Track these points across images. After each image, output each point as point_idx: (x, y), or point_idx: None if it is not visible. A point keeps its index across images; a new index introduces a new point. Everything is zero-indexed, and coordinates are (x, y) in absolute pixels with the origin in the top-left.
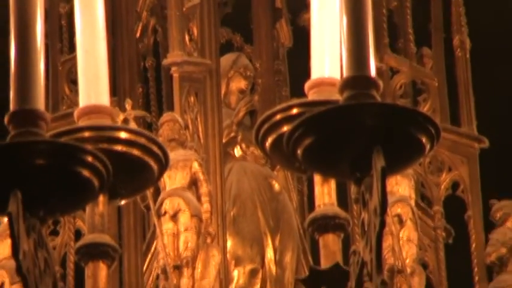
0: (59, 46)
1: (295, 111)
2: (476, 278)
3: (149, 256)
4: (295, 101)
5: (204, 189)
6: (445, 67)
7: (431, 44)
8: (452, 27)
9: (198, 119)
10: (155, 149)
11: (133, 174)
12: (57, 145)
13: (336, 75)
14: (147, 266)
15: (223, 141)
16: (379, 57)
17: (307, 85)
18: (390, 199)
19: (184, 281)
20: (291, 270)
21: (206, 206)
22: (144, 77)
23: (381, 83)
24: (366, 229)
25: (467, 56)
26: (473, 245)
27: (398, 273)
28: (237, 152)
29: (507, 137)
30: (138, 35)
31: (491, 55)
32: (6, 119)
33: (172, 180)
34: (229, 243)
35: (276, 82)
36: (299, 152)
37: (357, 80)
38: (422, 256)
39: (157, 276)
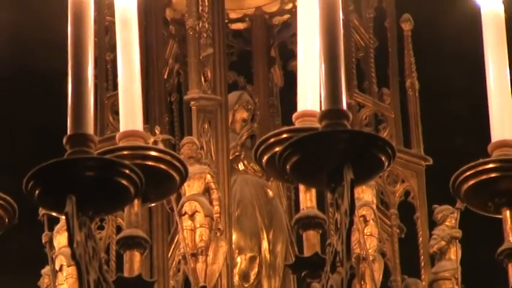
0: (105, 85)
1: (285, 135)
2: (422, 264)
3: (173, 246)
4: (285, 128)
5: (214, 195)
6: (399, 103)
7: (389, 86)
8: (405, 72)
9: (211, 142)
10: (177, 164)
11: (161, 184)
12: (102, 161)
13: (316, 109)
14: (171, 253)
15: (230, 158)
16: (349, 95)
17: (294, 116)
18: (357, 203)
19: (199, 265)
20: (281, 257)
21: (216, 208)
22: (170, 109)
23: (350, 115)
24: (339, 226)
25: (417, 94)
26: (420, 239)
27: (363, 260)
28: (241, 166)
29: (447, 157)
30: (165, 76)
31: (436, 94)
32: (64, 141)
33: (191, 188)
34: (234, 237)
35: (271, 113)
36: (288, 167)
37: (332, 112)
38: (381, 247)
39: (179, 261)
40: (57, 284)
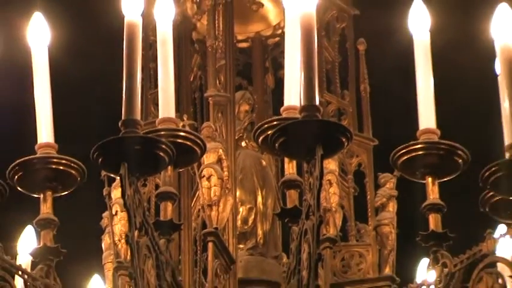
0: (149, 85)
1: (275, 123)
2: (369, 214)
3: (194, 199)
4: (275, 117)
5: (224, 164)
6: (355, 101)
7: (349, 89)
8: (360, 80)
9: (222, 126)
10: (199, 141)
11: (187, 155)
12: (146, 138)
13: (297, 104)
14: (193, 204)
15: (236, 138)
16: (321, 95)
17: (281, 109)
18: (325, 171)
19: (213, 213)
20: (271, 208)
21: (226, 173)
22: (194, 103)
23: (321, 109)
24: (311, 187)
25: (368, 95)
26: (368, 197)
27: (328, 211)
28: (243, 144)
29: (389, 139)
30: (191, 79)
31: (381, 95)
32: (120, 124)
33: (208, 158)
34: (237, 193)
35: (265, 107)
36: (276, 145)
37: (308, 107)
38: (341, 202)
39: (199, 210)
40: (113, 224)
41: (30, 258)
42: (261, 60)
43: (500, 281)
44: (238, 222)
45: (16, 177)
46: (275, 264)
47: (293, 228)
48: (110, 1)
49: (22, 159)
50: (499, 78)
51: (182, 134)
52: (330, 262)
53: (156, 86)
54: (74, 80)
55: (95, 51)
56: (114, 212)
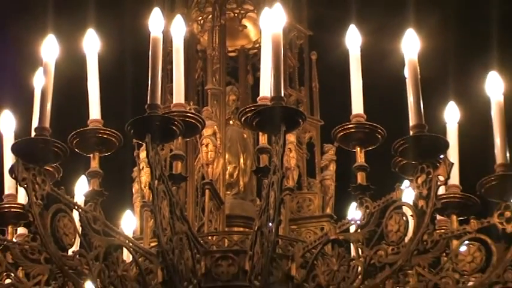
0: (166, 80)
1: (253, 108)
2: (316, 172)
3: (196, 159)
4: (253, 104)
5: (218, 136)
6: (309, 94)
7: (304, 85)
8: (312, 79)
9: (217, 110)
10: (200, 120)
11: (192, 129)
12: (163, 117)
13: (268, 95)
14: (196, 163)
15: (226, 118)
16: (285, 89)
17: (258, 98)
18: (287, 142)
19: (209, 169)
20: (249, 166)
21: (218, 142)
22: (198, 93)
23: (285, 99)
24: (277, 153)
25: (317, 90)
26: (316, 161)
27: (288, 169)
28: (231, 122)
29: (332, 121)
30: (196, 77)
31: (327, 89)
32: (146, 107)
33: (206, 131)
34: (226, 156)
35: (246, 97)
36: (254, 123)
37: (276, 97)
38: (297, 163)
39: (199, 167)
40: (140, 175)
41: (83, 197)
42: (244, 65)
43: (404, 218)
44: (227, 176)
45: (74, 142)
46: (251, 205)
47: (264, 180)
48: (140, 22)
49: (78, 130)
50: (407, 81)
51: (189, 114)
52: (289, 204)
53: (172, 81)
54: (115, 75)
55: (129, 56)
56: (141, 167)
